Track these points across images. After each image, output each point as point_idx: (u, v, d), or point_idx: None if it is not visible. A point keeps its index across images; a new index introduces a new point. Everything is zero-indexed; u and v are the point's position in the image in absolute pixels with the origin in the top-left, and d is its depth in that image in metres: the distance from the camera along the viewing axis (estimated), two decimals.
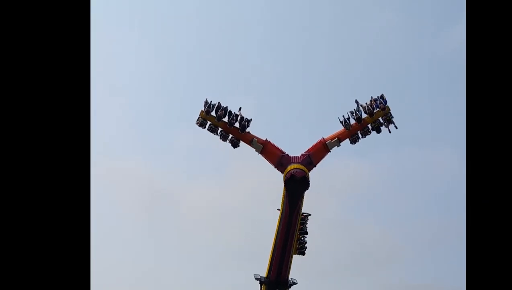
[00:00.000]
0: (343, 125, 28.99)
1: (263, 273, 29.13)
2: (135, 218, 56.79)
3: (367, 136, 29.07)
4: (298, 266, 29.73)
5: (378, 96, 28.99)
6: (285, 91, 65.87)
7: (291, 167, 28.24)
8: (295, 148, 29.73)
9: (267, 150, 29.08)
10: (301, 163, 28.47)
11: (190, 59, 67.51)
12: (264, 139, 29.21)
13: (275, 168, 29.05)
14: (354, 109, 29.03)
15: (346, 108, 29.19)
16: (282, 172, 28.60)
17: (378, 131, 28.85)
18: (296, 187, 28.07)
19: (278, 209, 28.73)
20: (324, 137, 29.32)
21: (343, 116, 29.08)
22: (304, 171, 28.04)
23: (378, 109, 28.73)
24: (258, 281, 29.16)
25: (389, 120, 28.73)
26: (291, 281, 28.84)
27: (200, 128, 28.95)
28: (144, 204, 58.92)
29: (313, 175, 29.17)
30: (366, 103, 28.98)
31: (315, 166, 28.90)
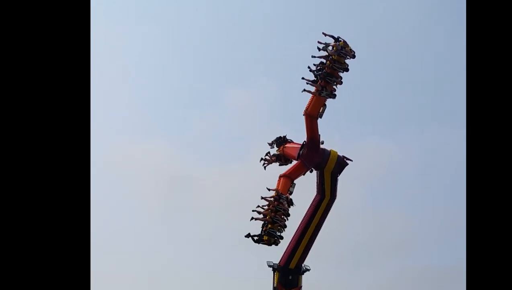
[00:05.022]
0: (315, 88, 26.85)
1: (276, 260, 28.70)
2: (153, 201, 57.12)
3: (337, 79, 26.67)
4: (312, 253, 29.33)
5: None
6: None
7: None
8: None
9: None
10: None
11: (211, 41, 67.21)
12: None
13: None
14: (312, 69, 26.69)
15: (359, 100, 27.94)
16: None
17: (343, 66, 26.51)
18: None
19: None
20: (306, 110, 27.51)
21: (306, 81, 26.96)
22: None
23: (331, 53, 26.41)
24: (271, 268, 28.82)
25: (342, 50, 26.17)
26: (304, 268, 28.52)
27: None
28: (162, 187, 59.26)
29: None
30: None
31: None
